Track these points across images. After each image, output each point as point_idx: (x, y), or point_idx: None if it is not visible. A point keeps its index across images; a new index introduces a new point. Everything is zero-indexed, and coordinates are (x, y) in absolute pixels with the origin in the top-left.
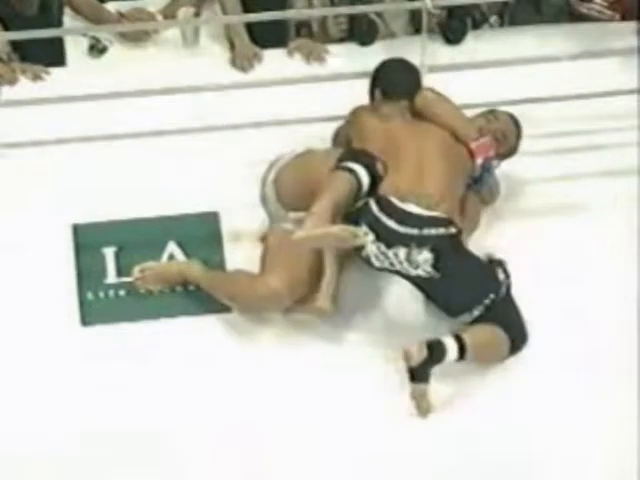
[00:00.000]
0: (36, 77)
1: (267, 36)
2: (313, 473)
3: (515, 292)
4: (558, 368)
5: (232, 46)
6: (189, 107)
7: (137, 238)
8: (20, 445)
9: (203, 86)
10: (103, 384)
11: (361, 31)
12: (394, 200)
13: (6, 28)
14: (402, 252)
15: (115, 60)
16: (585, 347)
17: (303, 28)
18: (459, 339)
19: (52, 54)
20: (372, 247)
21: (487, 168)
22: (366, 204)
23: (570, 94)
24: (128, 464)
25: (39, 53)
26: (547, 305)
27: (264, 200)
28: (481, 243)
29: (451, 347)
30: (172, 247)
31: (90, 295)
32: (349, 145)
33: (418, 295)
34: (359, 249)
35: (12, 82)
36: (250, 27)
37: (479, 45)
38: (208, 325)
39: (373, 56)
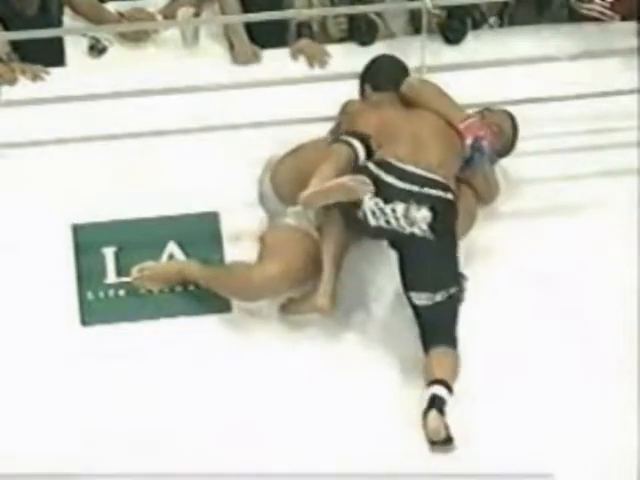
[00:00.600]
0: (36, 77)
1: (267, 36)
2: (313, 473)
3: (514, 292)
4: (557, 368)
5: (231, 46)
6: (189, 107)
7: (137, 238)
8: (20, 445)
9: (203, 86)
10: (103, 384)
11: (361, 31)
12: (393, 161)
13: (6, 28)
14: (400, 208)
15: (115, 60)
16: (585, 347)
17: (304, 28)
18: (441, 382)
19: (52, 54)
20: (370, 203)
21: (477, 148)
22: (364, 167)
23: (570, 94)
24: (128, 463)
25: (39, 53)
26: (547, 305)
27: (262, 198)
28: (480, 243)
29: (443, 393)
30: (172, 247)
31: (90, 295)
32: None
33: None
34: (356, 207)
35: (12, 82)
36: (250, 27)
37: (479, 45)
38: (208, 325)
39: (373, 56)
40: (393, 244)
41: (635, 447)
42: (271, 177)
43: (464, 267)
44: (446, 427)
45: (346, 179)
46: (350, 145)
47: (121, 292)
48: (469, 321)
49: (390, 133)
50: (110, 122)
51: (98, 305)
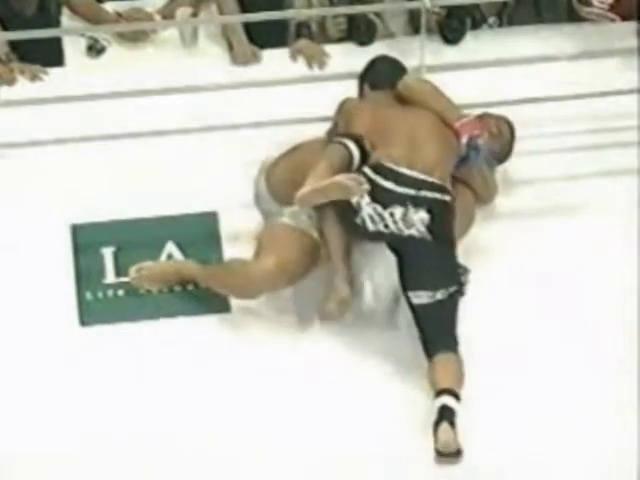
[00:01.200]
0: (34, 77)
1: (266, 36)
2: (312, 473)
3: (513, 292)
4: (556, 368)
5: (230, 46)
6: (187, 107)
7: (136, 238)
8: (19, 445)
9: (201, 86)
10: (102, 384)
11: (360, 31)
12: (389, 164)
13: (4, 28)
14: (398, 211)
15: (113, 60)
16: (585, 347)
17: (303, 28)
18: (448, 391)
19: (50, 54)
20: (368, 209)
21: (473, 147)
22: (360, 171)
23: (570, 94)
24: (127, 463)
25: (37, 53)
26: (546, 305)
27: (258, 199)
28: (479, 243)
29: (452, 403)
30: (171, 247)
31: (89, 295)
32: None
33: None
34: (355, 214)
35: (10, 82)
36: (249, 27)
37: (478, 45)
38: (207, 325)
39: (373, 56)
40: (392, 246)
41: (635, 447)
42: (266, 177)
43: None
44: (456, 440)
45: (342, 177)
46: (344, 146)
47: (120, 292)
48: (468, 321)
49: (385, 132)
50: (109, 122)
51: (97, 305)
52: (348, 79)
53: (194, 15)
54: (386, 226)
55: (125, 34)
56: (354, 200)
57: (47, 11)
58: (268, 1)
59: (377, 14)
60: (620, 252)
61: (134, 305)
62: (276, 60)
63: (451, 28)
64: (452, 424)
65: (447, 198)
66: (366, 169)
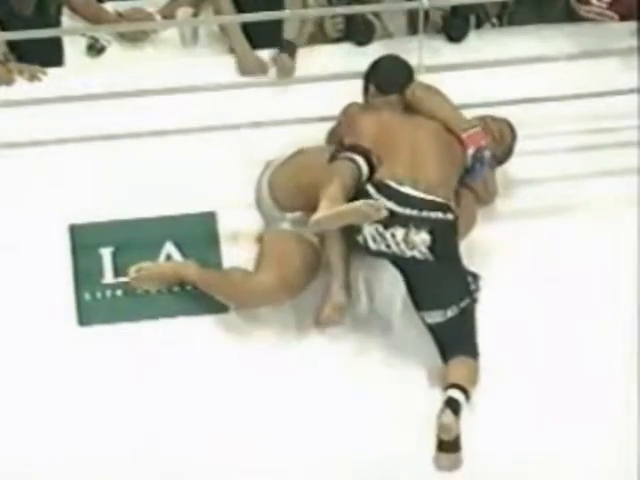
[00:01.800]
0: (33, 77)
1: (265, 36)
2: (311, 473)
3: (513, 292)
4: (557, 367)
5: (231, 50)
6: (187, 107)
7: (134, 238)
8: (17, 445)
9: (201, 86)
10: (100, 384)
11: (358, 31)
12: (392, 183)
13: (3, 28)
14: (400, 232)
15: (113, 60)
16: (584, 347)
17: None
18: (458, 386)
19: (50, 54)
20: (370, 229)
21: (479, 158)
22: (363, 190)
23: (569, 94)
24: (126, 463)
25: (37, 53)
26: (546, 305)
27: (259, 202)
28: (479, 243)
29: (460, 397)
30: (169, 247)
31: (87, 295)
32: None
33: None
34: (356, 232)
35: (9, 82)
36: (248, 27)
37: (477, 45)
38: (205, 325)
39: (371, 56)
40: (396, 264)
41: (635, 447)
42: (269, 183)
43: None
44: (458, 430)
45: (361, 204)
46: (353, 161)
47: (118, 292)
48: None
49: (390, 146)
50: (108, 122)
51: (95, 305)
52: (346, 79)
53: (194, 15)
54: (388, 246)
55: (125, 34)
56: None
57: (46, 11)
58: (266, 3)
59: (375, 14)
60: (620, 252)
61: (132, 305)
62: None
63: (455, 26)
64: (456, 413)
65: (450, 217)
66: (369, 187)
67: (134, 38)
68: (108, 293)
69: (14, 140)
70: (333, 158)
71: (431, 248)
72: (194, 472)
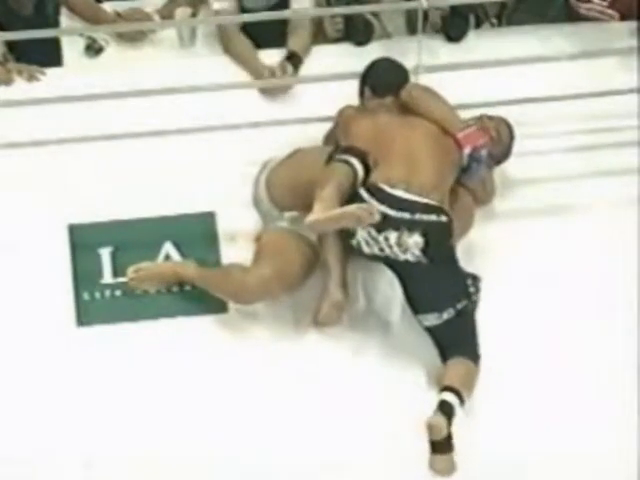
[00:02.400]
0: (32, 77)
1: (265, 36)
2: (309, 472)
3: (513, 292)
4: (556, 368)
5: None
6: (185, 107)
7: (133, 238)
8: (16, 445)
9: (200, 86)
10: (99, 384)
11: (357, 31)
12: (385, 187)
13: (2, 28)
14: (393, 236)
15: (112, 60)
16: (584, 347)
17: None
18: (452, 389)
19: (49, 54)
20: (362, 233)
21: (476, 158)
22: (356, 193)
23: (569, 94)
24: (126, 463)
25: (36, 53)
26: (545, 305)
27: (257, 202)
28: (478, 243)
29: (454, 401)
30: (168, 247)
31: (86, 295)
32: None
33: None
34: (350, 236)
35: (8, 82)
36: (249, 26)
37: (476, 45)
38: (204, 325)
39: (370, 56)
40: (391, 267)
41: (635, 447)
42: (266, 183)
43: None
44: (449, 431)
45: (354, 208)
46: (349, 164)
47: (117, 292)
48: None
49: (384, 149)
50: (107, 122)
51: (94, 305)
52: (346, 79)
53: (193, 15)
54: (381, 250)
55: (124, 34)
56: None
57: (44, 11)
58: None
59: (374, 14)
60: (620, 252)
61: (131, 305)
62: (275, 60)
63: (454, 26)
64: (447, 415)
65: (444, 219)
66: (361, 191)
67: (132, 38)
68: (107, 293)
69: (13, 140)
70: (330, 160)
71: (424, 251)
72: (194, 471)
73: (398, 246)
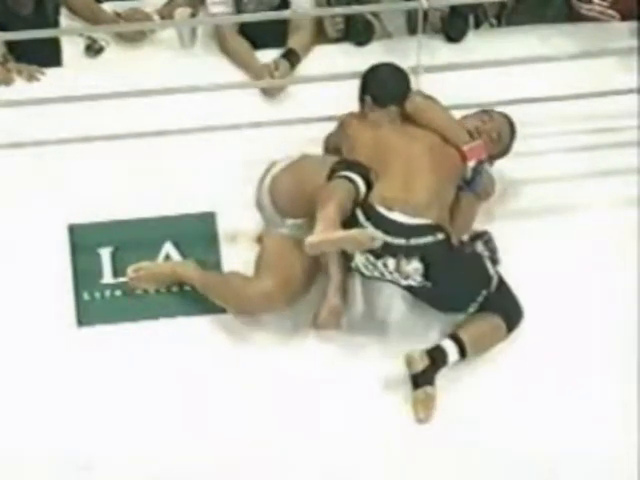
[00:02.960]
0: (31, 77)
1: (265, 36)
2: (307, 475)
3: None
4: (555, 368)
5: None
6: (185, 107)
7: (133, 238)
8: (15, 446)
9: (200, 86)
10: (99, 384)
11: (357, 31)
12: (380, 209)
13: (2, 28)
14: (391, 262)
15: (111, 60)
16: (583, 348)
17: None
18: (456, 339)
19: (48, 54)
20: (361, 258)
21: (479, 171)
22: (353, 214)
23: (569, 94)
24: (124, 463)
25: (35, 53)
26: (545, 306)
27: (260, 207)
28: None
29: (451, 350)
30: (168, 247)
31: (86, 295)
32: (339, 152)
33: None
34: (349, 259)
35: (8, 82)
36: (248, 26)
37: (476, 45)
38: (204, 325)
39: (370, 56)
40: (397, 286)
41: (635, 447)
42: (269, 189)
43: None
44: (428, 370)
45: (356, 233)
46: (351, 181)
47: (117, 292)
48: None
49: (383, 161)
50: (107, 122)
51: (94, 305)
52: (346, 79)
53: (193, 15)
54: (382, 274)
55: (123, 34)
56: None
57: (44, 11)
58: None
59: (375, 14)
60: (620, 252)
61: (131, 305)
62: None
63: (454, 26)
64: (431, 357)
65: (441, 237)
66: (358, 213)
67: (132, 38)
68: (107, 293)
69: (13, 140)
70: (332, 174)
71: (425, 275)
72: (193, 472)
73: (398, 273)
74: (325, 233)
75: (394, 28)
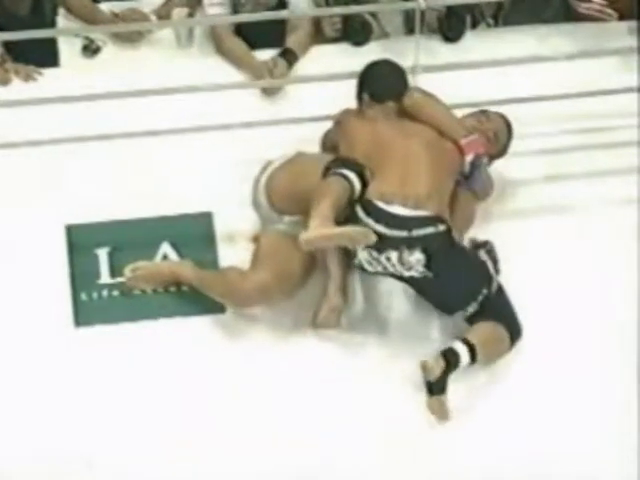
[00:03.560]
0: (28, 77)
1: (263, 36)
2: (306, 473)
3: (512, 293)
4: (554, 368)
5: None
6: (183, 107)
7: (130, 238)
8: (15, 447)
9: (197, 86)
10: (97, 385)
11: (355, 31)
12: (380, 204)
13: None
14: (394, 255)
15: (109, 60)
16: (582, 348)
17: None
18: (467, 342)
19: (46, 54)
20: (363, 253)
21: (477, 165)
22: (352, 210)
23: (569, 93)
24: (123, 463)
25: (32, 53)
26: (545, 306)
27: (256, 205)
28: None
29: (463, 352)
30: (166, 247)
31: (84, 296)
32: (336, 150)
33: (412, 294)
34: (351, 256)
35: (5, 82)
36: (246, 27)
37: (474, 45)
38: (202, 326)
39: (368, 56)
40: (399, 280)
41: (635, 447)
42: (265, 187)
43: None
44: (443, 374)
45: (350, 230)
46: (346, 178)
47: (115, 293)
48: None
49: (382, 156)
50: (104, 122)
51: (92, 306)
52: (343, 79)
53: (190, 15)
54: (385, 268)
55: (121, 34)
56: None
57: (41, 11)
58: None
59: (372, 14)
60: (620, 252)
61: (129, 306)
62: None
63: (451, 27)
64: (446, 359)
65: (442, 228)
66: (358, 209)
67: (129, 38)
68: (104, 293)
69: (10, 140)
70: (327, 171)
71: (427, 266)
72: (192, 471)
73: (401, 264)
74: (319, 229)
75: (392, 28)
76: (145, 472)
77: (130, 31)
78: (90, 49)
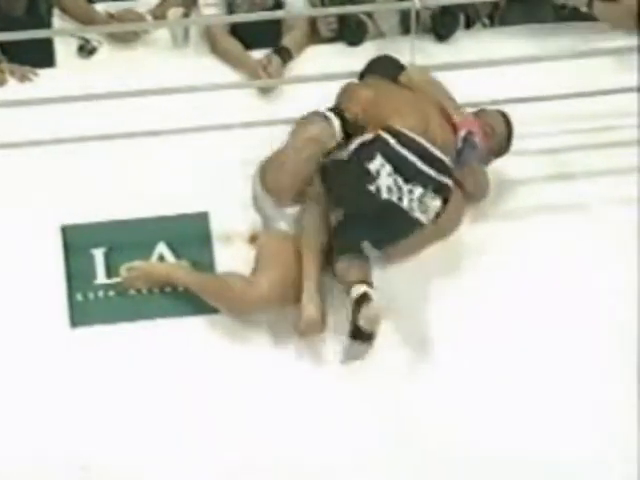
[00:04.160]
0: (24, 78)
1: (258, 36)
2: (304, 474)
3: (512, 292)
4: (550, 368)
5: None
6: (179, 107)
7: (126, 239)
8: (11, 448)
9: (193, 86)
10: (92, 385)
11: (350, 31)
12: (410, 134)
13: None
14: (418, 191)
15: (104, 61)
16: (581, 348)
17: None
18: (357, 282)
19: (41, 55)
20: (388, 179)
21: (470, 143)
22: (379, 136)
23: (569, 93)
24: (121, 464)
25: (28, 54)
26: (541, 306)
27: (255, 200)
28: (475, 243)
29: (367, 289)
30: (162, 247)
31: (79, 296)
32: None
33: (409, 293)
34: (370, 180)
35: (1, 83)
36: (243, 27)
37: (470, 45)
38: (198, 326)
39: (363, 56)
40: (383, 210)
41: (635, 447)
42: (259, 176)
43: (454, 268)
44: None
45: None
46: (321, 115)
47: (111, 293)
48: (459, 321)
49: (395, 103)
50: (100, 123)
51: (87, 306)
52: (339, 79)
53: (186, 15)
54: (400, 199)
55: (116, 35)
56: (373, 168)
57: (37, 12)
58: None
59: (368, 14)
60: (619, 252)
61: (125, 306)
62: None
63: (443, 24)
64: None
65: (451, 182)
66: (387, 136)
67: (125, 39)
68: (100, 294)
69: (5, 141)
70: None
71: (437, 216)
72: (189, 472)
73: (419, 202)
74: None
75: (387, 28)
76: (141, 474)
77: (126, 31)
78: (86, 49)
